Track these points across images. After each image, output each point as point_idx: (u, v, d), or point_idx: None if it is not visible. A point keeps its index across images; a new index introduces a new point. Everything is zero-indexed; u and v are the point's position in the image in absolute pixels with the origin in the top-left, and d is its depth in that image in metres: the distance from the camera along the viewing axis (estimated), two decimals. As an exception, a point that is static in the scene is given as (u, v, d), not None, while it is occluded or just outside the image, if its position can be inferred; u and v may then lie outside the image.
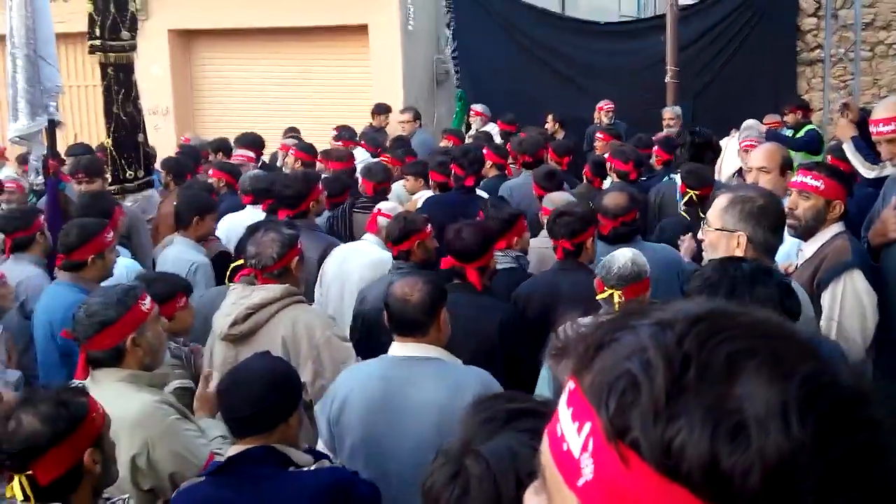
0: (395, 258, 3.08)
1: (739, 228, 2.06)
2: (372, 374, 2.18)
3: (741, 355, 0.46)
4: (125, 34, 5.09)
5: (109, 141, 5.14)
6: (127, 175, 4.99)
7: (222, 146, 6.29)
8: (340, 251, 3.45)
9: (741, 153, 4.85)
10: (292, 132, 7.10)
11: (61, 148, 5.27)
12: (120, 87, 5.11)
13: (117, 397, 1.91)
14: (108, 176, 5.00)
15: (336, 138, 6.67)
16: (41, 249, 3.41)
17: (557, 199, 3.66)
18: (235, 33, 9.01)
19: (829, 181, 2.45)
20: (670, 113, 6.89)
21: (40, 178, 5.13)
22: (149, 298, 2.14)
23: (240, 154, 5.89)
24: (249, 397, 1.83)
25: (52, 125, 4.83)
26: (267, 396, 1.84)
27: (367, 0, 8.25)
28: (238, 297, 2.52)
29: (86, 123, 9.45)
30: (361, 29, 8.44)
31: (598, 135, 6.20)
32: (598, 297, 2.51)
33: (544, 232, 3.44)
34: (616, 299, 2.46)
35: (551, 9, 11.29)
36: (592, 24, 10.14)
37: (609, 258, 2.61)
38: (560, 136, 6.94)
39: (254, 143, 6.00)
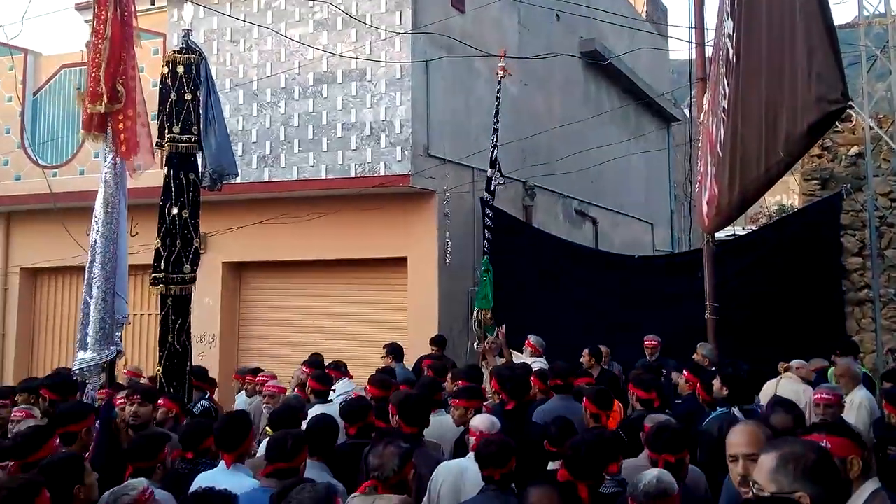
0: (493, 480, 3.25)
1: (798, 489, 1.95)
2: None
3: None
4: (187, 268, 5.66)
5: (160, 369, 5.52)
6: (174, 404, 5.28)
7: None
8: (453, 467, 3.69)
9: (814, 408, 4.68)
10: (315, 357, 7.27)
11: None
12: (177, 317, 5.60)
13: None
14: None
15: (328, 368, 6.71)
16: (160, 478, 3.57)
17: (660, 417, 4.02)
18: (283, 265, 9.95)
19: (834, 439, 2.43)
20: (701, 350, 7.01)
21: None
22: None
23: (272, 385, 6.02)
24: None
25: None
26: None
27: (406, 234, 9.14)
28: None
29: (138, 351, 10.07)
30: (401, 261, 9.22)
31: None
32: None
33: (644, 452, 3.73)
34: None
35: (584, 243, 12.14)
36: (627, 258, 10.66)
37: (638, 476, 2.86)
38: (595, 370, 7.10)
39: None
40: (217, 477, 3.55)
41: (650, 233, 16.81)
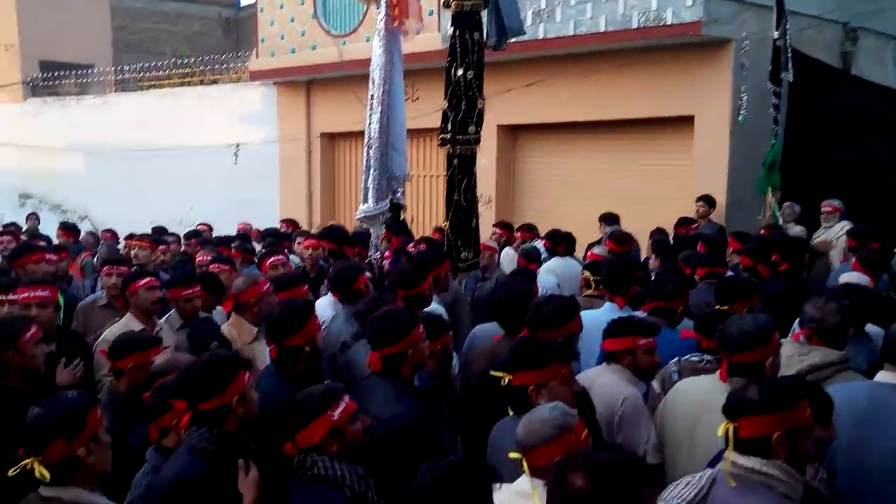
0: None
1: None
2: (860, 392, 2.97)
3: None
4: (472, 128, 6.31)
5: (447, 224, 6.39)
6: (460, 256, 6.15)
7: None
8: None
9: None
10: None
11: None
12: (462, 176, 6.34)
13: None
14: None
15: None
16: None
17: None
18: (558, 127, 10.39)
19: None
20: None
21: (378, 254, 6.57)
22: None
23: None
24: None
25: (398, 208, 6.27)
26: None
27: (694, 90, 8.93)
28: (797, 353, 3.35)
29: (420, 208, 11.48)
30: (686, 120, 9.12)
31: None
32: None
33: None
34: None
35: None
36: None
37: None
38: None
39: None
40: (601, 316, 4.33)
41: None
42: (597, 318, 4.20)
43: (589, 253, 6.62)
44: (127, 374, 3.50)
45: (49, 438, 2.40)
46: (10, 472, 2.48)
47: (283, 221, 9.58)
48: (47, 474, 2.40)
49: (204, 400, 2.72)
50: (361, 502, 2.67)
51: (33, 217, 11.51)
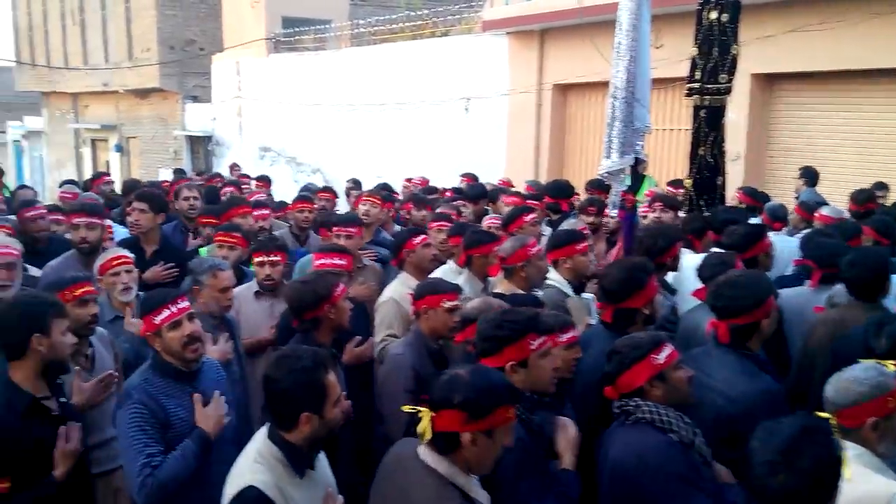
0: None
1: None
2: None
3: None
4: (723, 77, 6.09)
5: (689, 181, 6.28)
6: (703, 215, 5.99)
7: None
8: None
9: None
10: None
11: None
12: (709, 129, 6.18)
13: None
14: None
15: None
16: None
17: None
18: (823, 76, 9.65)
19: None
20: None
21: (615, 212, 6.57)
22: None
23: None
24: None
25: (638, 163, 6.24)
26: None
27: None
28: None
29: (663, 164, 11.31)
30: None
31: None
32: None
33: None
34: None
35: None
36: None
37: None
38: None
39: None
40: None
41: None
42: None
43: (818, 215, 6.32)
44: (422, 317, 3.68)
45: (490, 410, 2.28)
46: (406, 408, 2.44)
47: (462, 176, 9.79)
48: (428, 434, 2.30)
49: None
50: (690, 450, 2.60)
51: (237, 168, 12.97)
